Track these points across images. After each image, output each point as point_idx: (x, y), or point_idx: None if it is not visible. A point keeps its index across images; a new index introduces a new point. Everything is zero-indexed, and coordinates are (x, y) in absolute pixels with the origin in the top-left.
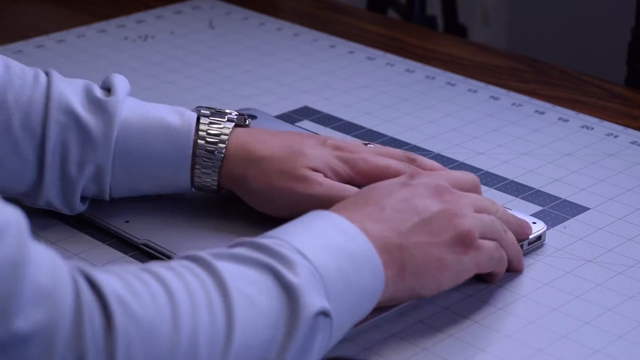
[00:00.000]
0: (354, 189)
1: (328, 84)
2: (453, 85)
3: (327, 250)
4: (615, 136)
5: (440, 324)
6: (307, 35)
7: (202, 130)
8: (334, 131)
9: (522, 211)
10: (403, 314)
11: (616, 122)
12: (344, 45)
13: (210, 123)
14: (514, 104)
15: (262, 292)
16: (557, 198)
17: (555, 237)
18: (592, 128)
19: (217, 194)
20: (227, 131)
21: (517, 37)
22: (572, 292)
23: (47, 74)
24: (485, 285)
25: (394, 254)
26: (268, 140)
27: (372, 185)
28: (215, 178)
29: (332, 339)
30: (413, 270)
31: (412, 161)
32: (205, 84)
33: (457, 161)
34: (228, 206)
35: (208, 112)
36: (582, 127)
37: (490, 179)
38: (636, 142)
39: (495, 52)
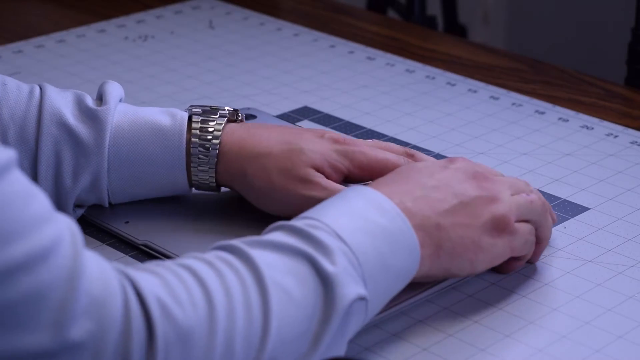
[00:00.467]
0: None
1: (328, 84)
2: (453, 85)
3: (365, 232)
4: (615, 136)
5: (440, 324)
6: (307, 35)
7: (195, 129)
8: (333, 131)
9: None
10: (403, 314)
11: (616, 122)
12: (344, 45)
13: (203, 121)
14: (514, 104)
15: (298, 283)
16: (557, 198)
17: (555, 237)
18: (592, 128)
19: (217, 191)
20: (220, 127)
21: (517, 37)
22: (572, 292)
23: (41, 88)
24: (485, 285)
25: (432, 233)
26: (264, 135)
27: (412, 164)
28: (213, 175)
29: (365, 319)
30: (449, 250)
31: (410, 156)
32: (205, 84)
33: None
34: (228, 206)
35: (200, 110)
36: (582, 127)
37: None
38: (636, 142)
39: (495, 52)
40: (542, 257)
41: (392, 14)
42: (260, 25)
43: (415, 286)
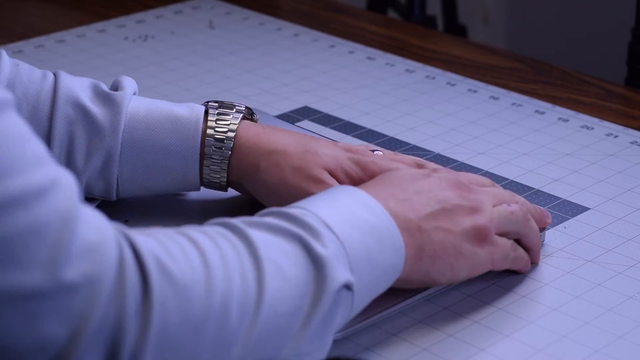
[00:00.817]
0: None
1: (328, 84)
2: (453, 85)
3: (352, 225)
4: (615, 136)
5: (440, 324)
6: (307, 35)
7: (211, 121)
8: (334, 131)
9: None
10: (403, 314)
11: (616, 122)
12: (344, 45)
13: (220, 114)
14: (514, 104)
15: (291, 262)
16: (557, 198)
17: (555, 237)
18: (592, 128)
19: (225, 190)
20: (236, 121)
21: (517, 37)
22: (572, 292)
23: (54, 73)
24: (485, 285)
25: (414, 235)
26: (280, 134)
27: (395, 170)
28: (225, 168)
29: (351, 312)
30: (430, 253)
31: (420, 167)
32: (205, 84)
33: (457, 161)
34: (229, 208)
35: (216, 104)
36: (582, 127)
37: (490, 179)
38: (636, 142)
39: (495, 52)
40: (542, 257)
41: (392, 14)
42: (260, 25)
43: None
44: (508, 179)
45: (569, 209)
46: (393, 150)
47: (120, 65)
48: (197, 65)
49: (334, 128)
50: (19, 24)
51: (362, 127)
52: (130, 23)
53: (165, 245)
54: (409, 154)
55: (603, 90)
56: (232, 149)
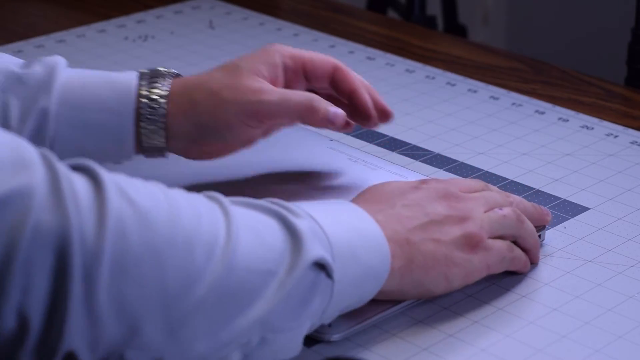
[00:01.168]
0: (307, 93)
1: None
2: (453, 85)
3: (338, 224)
4: (615, 136)
5: (440, 324)
6: (307, 35)
7: (143, 85)
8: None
9: None
10: (403, 314)
11: (616, 122)
12: (344, 45)
13: (152, 77)
14: (514, 104)
15: (267, 230)
16: (557, 198)
17: (555, 237)
18: (592, 128)
19: (164, 154)
20: (169, 85)
21: (517, 37)
22: (572, 292)
23: None
24: (485, 285)
25: (402, 246)
26: (205, 72)
27: (384, 184)
28: (162, 126)
29: (330, 307)
30: (421, 264)
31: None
32: None
33: (457, 161)
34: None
35: (148, 71)
36: (582, 127)
37: (490, 179)
38: (636, 142)
39: (495, 52)
40: (542, 257)
41: (392, 14)
42: (260, 25)
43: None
44: (508, 179)
45: (569, 209)
46: (393, 150)
47: (120, 65)
48: (197, 65)
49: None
50: (19, 24)
51: (362, 127)
52: (130, 23)
53: (129, 180)
54: (409, 154)
55: (603, 90)
56: (166, 107)
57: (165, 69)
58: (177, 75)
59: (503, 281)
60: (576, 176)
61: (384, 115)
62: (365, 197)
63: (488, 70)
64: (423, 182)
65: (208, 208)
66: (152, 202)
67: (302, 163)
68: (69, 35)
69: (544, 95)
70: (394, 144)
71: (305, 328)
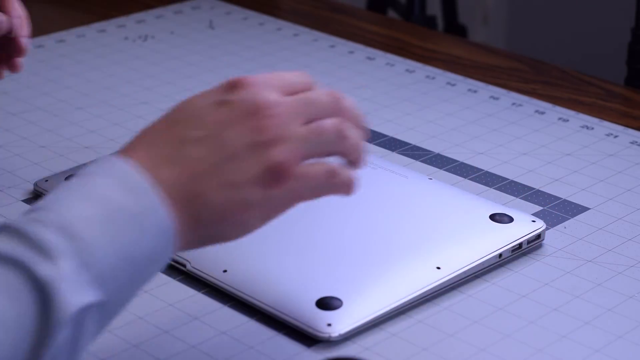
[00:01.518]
0: None
1: (328, 84)
2: (453, 85)
3: (104, 220)
4: (615, 136)
5: (440, 324)
6: (307, 35)
7: None
8: None
9: (522, 211)
10: (403, 314)
11: (616, 122)
12: (344, 45)
13: None
14: (514, 104)
15: (10, 301)
16: (557, 198)
17: (555, 237)
18: (592, 128)
19: None
20: None
21: (517, 37)
22: (572, 292)
23: None
24: (485, 286)
25: (188, 204)
26: None
27: (185, 103)
28: None
29: (107, 320)
30: (209, 220)
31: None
32: (205, 84)
33: (457, 161)
34: None
35: None
36: (582, 127)
37: (490, 179)
38: (636, 142)
39: (495, 52)
40: (542, 257)
41: (392, 14)
42: (260, 25)
43: (411, 286)
44: (508, 179)
45: (569, 209)
46: (393, 150)
47: (120, 65)
48: (197, 65)
49: None
50: None
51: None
52: (130, 23)
53: None
54: (409, 154)
55: (603, 90)
56: None
57: None
58: None
59: (503, 281)
60: (576, 176)
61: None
62: (158, 128)
63: (488, 70)
64: (232, 87)
65: None
66: None
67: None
68: (69, 35)
69: (544, 95)
70: (394, 144)
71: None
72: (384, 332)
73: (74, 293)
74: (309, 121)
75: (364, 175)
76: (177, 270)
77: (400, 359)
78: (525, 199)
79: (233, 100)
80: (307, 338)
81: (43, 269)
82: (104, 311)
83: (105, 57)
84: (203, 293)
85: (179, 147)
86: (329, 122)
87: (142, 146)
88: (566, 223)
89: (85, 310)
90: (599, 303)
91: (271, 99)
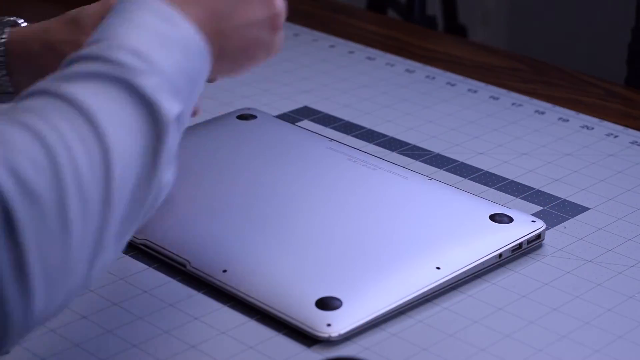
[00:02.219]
0: None
1: (328, 84)
2: (453, 85)
3: (158, 44)
4: (615, 136)
5: (440, 324)
6: (307, 35)
7: None
8: (334, 131)
9: (523, 211)
10: (403, 314)
11: (616, 122)
12: (344, 45)
13: None
14: (514, 104)
15: (125, 111)
16: (557, 198)
17: (555, 237)
18: (592, 128)
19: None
20: (6, 36)
21: (517, 37)
22: (572, 292)
23: None
24: (485, 286)
25: (214, 40)
26: (45, 22)
27: None
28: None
29: (183, 129)
30: (230, 55)
31: None
32: (205, 83)
33: (457, 161)
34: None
35: None
36: (582, 127)
37: (490, 179)
38: (636, 142)
39: (495, 52)
40: (542, 257)
41: (392, 14)
42: None
43: (411, 286)
44: (508, 179)
45: (569, 209)
46: (393, 150)
47: None
48: None
49: (334, 128)
50: None
51: (362, 127)
52: None
53: (16, 159)
54: (409, 154)
55: (603, 90)
56: (4, 56)
57: (7, 18)
58: (15, 24)
59: (503, 281)
60: (576, 176)
61: None
62: None
63: (488, 70)
64: None
65: (78, 134)
66: (43, 183)
67: (301, 164)
68: None
69: (544, 95)
70: (394, 144)
71: (171, 170)
72: (384, 332)
73: (170, 102)
74: None
75: (363, 176)
76: (177, 270)
77: (400, 359)
78: (525, 199)
79: None
80: (307, 338)
81: (143, 85)
82: (181, 121)
83: None
84: (203, 293)
85: None
86: None
87: None
88: (566, 223)
89: (178, 118)
90: (599, 303)
91: None
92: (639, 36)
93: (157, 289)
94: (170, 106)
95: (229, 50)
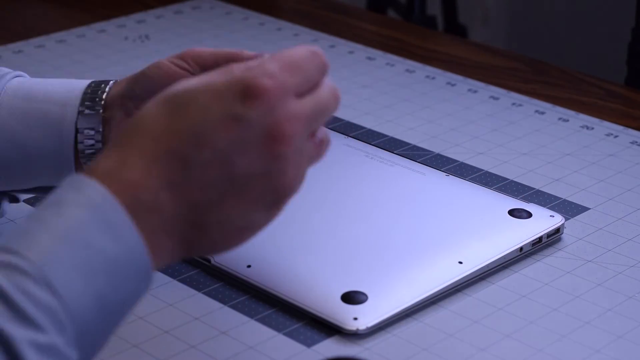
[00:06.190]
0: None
1: None
2: (453, 85)
3: (81, 265)
4: (615, 136)
5: (440, 324)
6: (307, 35)
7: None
8: (333, 131)
9: (540, 206)
10: (403, 314)
11: (616, 122)
12: (344, 45)
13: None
14: (514, 104)
15: None
16: (557, 198)
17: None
18: (592, 128)
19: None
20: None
21: (517, 37)
22: (572, 292)
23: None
24: (485, 285)
25: (184, 233)
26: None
27: (191, 101)
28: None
29: None
30: (206, 245)
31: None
32: None
33: (457, 161)
34: None
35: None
36: (582, 127)
37: (490, 179)
38: (636, 142)
39: (495, 52)
40: (542, 257)
41: (392, 14)
42: (260, 25)
43: (435, 280)
44: (508, 179)
45: (569, 209)
46: (392, 151)
47: (120, 65)
48: None
49: (334, 128)
50: (20, 24)
51: (362, 127)
52: (130, 23)
53: None
54: (409, 154)
55: (603, 90)
56: (107, 91)
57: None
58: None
59: (503, 281)
60: (576, 176)
61: None
62: (160, 122)
63: (488, 70)
64: (246, 96)
65: None
66: None
67: (321, 160)
68: (69, 35)
69: (544, 95)
70: (394, 144)
71: None
72: (384, 332)
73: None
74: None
75: (382, 172)
76: (178, 270)
77: (400, 359)
78: (525, 199)
79: (248, 117)
80: (307, 338)
81: (27, 351)
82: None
83: (105, 57)
84: (203, 293)
85: (182, 167)
86: (325, 133)
87: (132, 165)
88: (566, 223)
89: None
90: (599, 303)
91: (289, 115)
92: (639, 36)
93: (157, 289)
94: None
95: (203, 245)
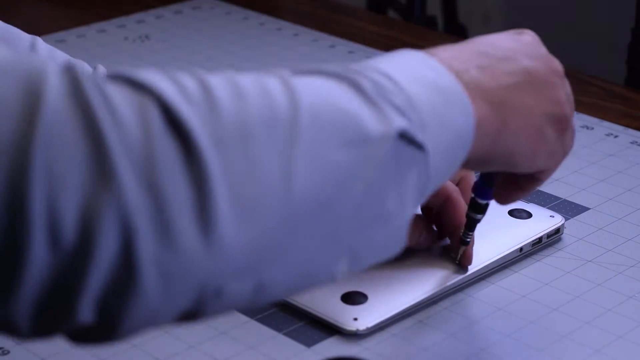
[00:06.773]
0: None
1: None
2: None
3: (416, 81)
4: (615, 136)
5: (440, 324)
6: (307, 35)
7: None
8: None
9: (540, 207)
10: (403, 314)
11: (616, 122)
12: (344, 45)
13: None
14: None
15: (339, 94)
16: (557, 198)
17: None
18: (592, 128)
19: None
20: None
21: None
22: (572, 292)
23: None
24: (485, 285)
25: (497, 108)
26: None
27: (481, 38)
28: None
29: (429, 182)
30: (514, 130)
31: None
32: None
33: None
34: None
35: None
36: (582, 127)
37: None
38: (636, 142)
39: None
40: (541, 257)
41: (392, 14)
42: (260, 25)
43: (435, 280)
44: None
45: (569, 209)
46: None
47: (120, 65)
48: (197, 66)
49: None
50: (19, 23)
51: None
52: (130, 23)
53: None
54: None
55: (603, 90)
56: None
57: None
58: None
59: (503, 281)
60: (576, 176)
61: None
62: (455, 48)
63: None
64: (519, 32)
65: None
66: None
67: None
68: (69, 35)
69: None
70: None
71: (407, 214)
72: (384, 332)
73: (398, 118)
74: None
75: None
76: None
77: (400, 359)
78: (525, 199)
79: (524, 39)
80: (307, 338)
81: (369, 90)
82: (426, 163)
83: (105, 57)
84: None
85: (484, 58)
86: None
87: (440, 51)
88: (566, 223)
89: (407, 139)
90: (599, 303)
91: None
92: (639, 36)
93: None
94: (399, 122)
95: (512, 127)
